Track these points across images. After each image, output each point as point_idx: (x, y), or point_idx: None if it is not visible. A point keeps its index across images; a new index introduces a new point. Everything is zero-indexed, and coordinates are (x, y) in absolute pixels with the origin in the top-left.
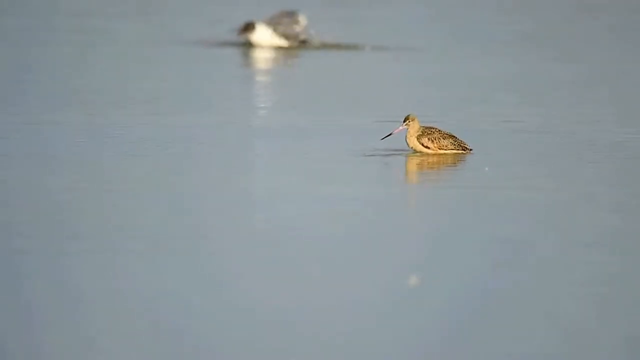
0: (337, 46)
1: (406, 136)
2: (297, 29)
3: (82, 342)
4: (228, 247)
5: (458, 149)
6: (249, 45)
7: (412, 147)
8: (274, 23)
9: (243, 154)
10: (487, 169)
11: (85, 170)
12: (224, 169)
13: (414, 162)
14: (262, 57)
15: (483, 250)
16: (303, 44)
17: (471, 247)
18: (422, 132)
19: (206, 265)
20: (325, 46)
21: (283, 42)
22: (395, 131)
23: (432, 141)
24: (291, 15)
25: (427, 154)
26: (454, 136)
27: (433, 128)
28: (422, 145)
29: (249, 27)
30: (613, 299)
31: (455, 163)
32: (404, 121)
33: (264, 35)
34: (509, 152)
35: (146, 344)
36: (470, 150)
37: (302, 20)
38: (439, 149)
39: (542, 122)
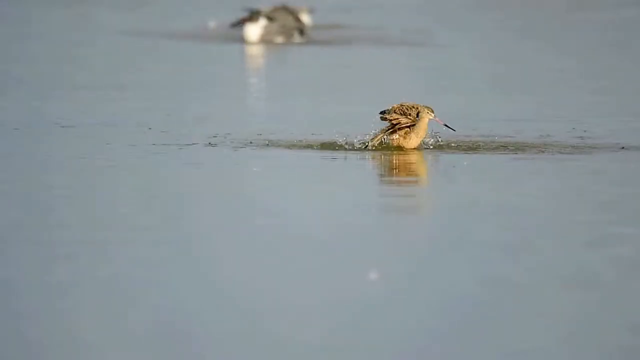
0: (331, 41)
1: (410, 135)
2: (296, 22)
3: (76, 342)
4: (222, 246)
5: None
6: (247, 38)
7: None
8: (274, 16)
9: (239, 151)
10: (454, 166)
11: (77, 165)
12: (220, 167)
13: (409, 160)
14: (261, 51)
15: (478, 252)
16: (299, 34)
17: (464, 249)
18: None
19: (199, 265)
20: (319, 41)
21: (282, 36)
22: (440, 122)
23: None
24: (291, 10)
25: (418, 150)
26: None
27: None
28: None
29: (252, 17)
30: (607, 303)
31: (445, 161)
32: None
33: (263, 28)
34: (500, 147)
35: (141, 342)
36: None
37: (303, 14)
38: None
39: (534, 116)
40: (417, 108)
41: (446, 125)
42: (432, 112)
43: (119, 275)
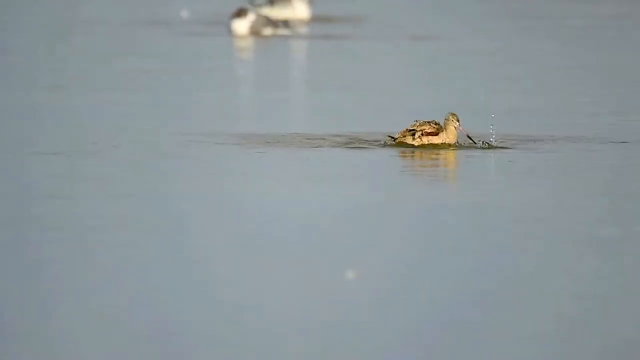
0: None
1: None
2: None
3: (62, 343)
4: (213, 243)
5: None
6: (236, 32)
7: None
8: (264, 12)
9: (232, 147)
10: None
11: (64, 160)
12: (213, 164)
13: (407, 156)
14: (252, 45)
15: (472, 251)
16: (285, 26)
17: (459, 248)
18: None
19: (188, 262)
20: (318, 36)
21: (271, 30)
22: (464, 131)
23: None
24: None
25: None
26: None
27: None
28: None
29: (241, 13)
30: (604, 300)
31: (442, 157)
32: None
33: (252, 23)
34: (499, 140)
35: (129, 343)
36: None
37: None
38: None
39: (532, 111)
40: (435, 121)
41: (469, 137)
42: (458, 120)
43: (104, 278)
